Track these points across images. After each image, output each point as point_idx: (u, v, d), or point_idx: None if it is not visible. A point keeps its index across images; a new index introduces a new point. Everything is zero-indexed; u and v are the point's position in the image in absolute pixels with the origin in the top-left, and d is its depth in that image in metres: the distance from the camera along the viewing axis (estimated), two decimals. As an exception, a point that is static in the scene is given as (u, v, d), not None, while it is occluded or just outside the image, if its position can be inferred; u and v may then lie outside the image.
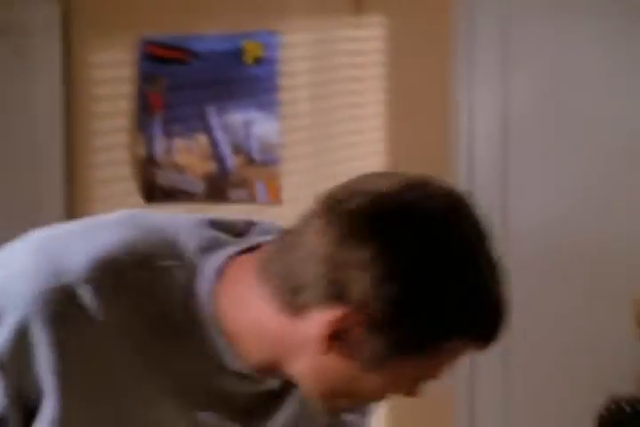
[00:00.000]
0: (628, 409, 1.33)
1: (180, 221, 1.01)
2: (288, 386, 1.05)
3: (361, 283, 0.87)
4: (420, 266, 0.87)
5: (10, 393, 0.92)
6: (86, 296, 0.90)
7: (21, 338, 0.90)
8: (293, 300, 0.92)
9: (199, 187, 3.75)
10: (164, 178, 3.79)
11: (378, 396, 1.00)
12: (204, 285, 0.96)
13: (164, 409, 1.00)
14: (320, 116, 3.68)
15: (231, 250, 0.99)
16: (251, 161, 3.69)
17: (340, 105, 3.67)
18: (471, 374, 3.50)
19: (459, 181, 3.52)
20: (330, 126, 3.68)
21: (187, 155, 3.75)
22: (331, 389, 0.97)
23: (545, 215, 3.49)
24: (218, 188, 3.73)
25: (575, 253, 3.45)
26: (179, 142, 3.75)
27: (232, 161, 3.71)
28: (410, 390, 0.99)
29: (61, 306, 0.90)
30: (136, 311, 0.93)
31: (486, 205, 3.52)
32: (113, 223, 0.99)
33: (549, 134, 3.49)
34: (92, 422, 0.97)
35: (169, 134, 3.76)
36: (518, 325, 3.52)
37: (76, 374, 0.93)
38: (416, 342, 0.89)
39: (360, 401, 1.05)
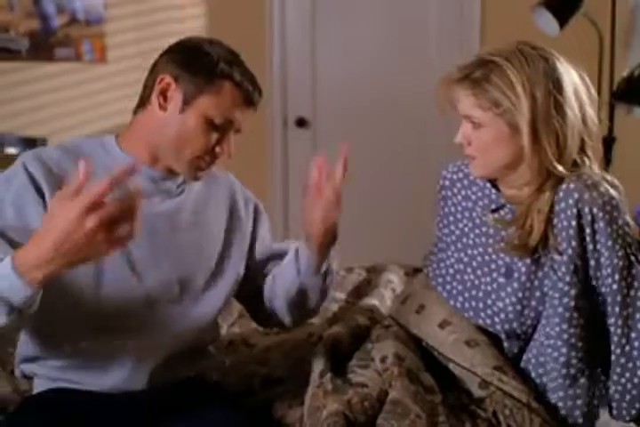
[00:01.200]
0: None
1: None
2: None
3: (170, 64, 1.49)
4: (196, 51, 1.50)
5: None
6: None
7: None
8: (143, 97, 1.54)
9: (23, 45, 3.68)
10: (-14, 36, 3.68)
11: (201, 144, 1.48)
12: (109, 139, 1.56)
13: None
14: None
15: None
16: (75, 20, 3.67)
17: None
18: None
19: (273, 46, 3.74)
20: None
21: (8, 12, 3.66)
22: (168, 142, 1.48)
23: (347, 72, 3.79)
24: (43, 46, 3.68)
25: (372, 99, 3.81)
26: (-1, 0, 3.65)
27: (56, 20, 3.67)
28: (217, 139, 1.49)
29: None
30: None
31: (297, 66, 3.78)
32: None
33: (349, 5, 3.77)
34: None
35: (-12, -8, 3.64)
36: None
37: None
38: (204, 79, 1.46)
39: (192, 152, 1.50)
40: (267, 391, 1.65)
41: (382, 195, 3.89)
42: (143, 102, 1.52)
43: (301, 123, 3.82)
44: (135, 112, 1.54)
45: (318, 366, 1.59)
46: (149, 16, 3.70)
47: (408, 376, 1.52)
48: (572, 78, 1.51)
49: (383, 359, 1.57)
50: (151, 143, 1.51)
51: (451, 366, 1.59)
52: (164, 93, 1.48)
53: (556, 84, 1.47)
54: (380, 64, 3.77)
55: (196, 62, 1.48)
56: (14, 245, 1.37)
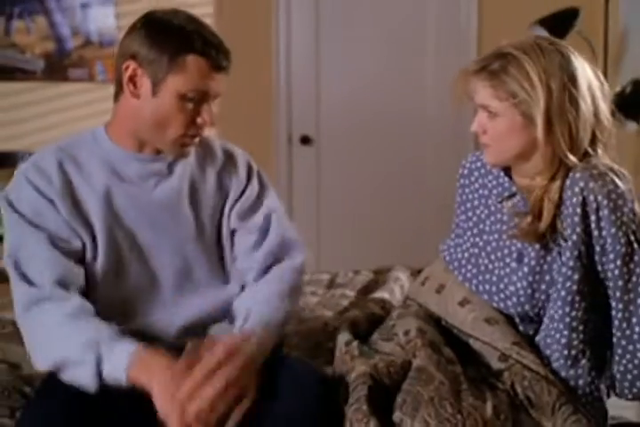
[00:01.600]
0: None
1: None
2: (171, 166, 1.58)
3: (133, 44, 1.46)
4: (155, 27, 1.47)
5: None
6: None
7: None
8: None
9: (39, 66, 3.76)
10: (3, 57, 3.74)
11: (181, 120, 1.48)
12: (100, 129, 1.59)
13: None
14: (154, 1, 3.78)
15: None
16: (89, 42, 3.75)
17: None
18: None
19: (279, 66, 3.81)
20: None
21: (25, 35, 3.73)
22: (148, 126, 1.48)
23: (350, 91, 3.87)
24: (58, 67, 3.74)
25: (373, 117, 3.88)
26: (17, 23, 3.71)
27: (71, 42, 3.74)
28: (192, 115, 1.49)
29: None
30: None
31: (302, 86, 3.85)
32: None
33: (352, 26, 3.87)
34: None
35: (6, 15, 3.70)
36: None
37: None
38: (167, 59, 1.44)
39: (175, 131, 1.50)
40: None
41: (385, 207, 3.93)
42: (118, 89, 1.52)
43: (306, 140, 3.88)
44: (115, 99, 1.54)
45: (343, 337, 1.60)
46: (160, 38, 3.77)
47: (431, 347, 1.53)
48: (586, 73, 1.52)
49: (406, 333, 1.59)
50: (133, 129, 1.52)
51: (471, 341, 1.60)
52: (132, 80, 1.47)
53: (571, 78, 1.49)
54: (382, 84, 3.84)
55: (156, 42, 1.45)
56: (63, 250, 1.46)
